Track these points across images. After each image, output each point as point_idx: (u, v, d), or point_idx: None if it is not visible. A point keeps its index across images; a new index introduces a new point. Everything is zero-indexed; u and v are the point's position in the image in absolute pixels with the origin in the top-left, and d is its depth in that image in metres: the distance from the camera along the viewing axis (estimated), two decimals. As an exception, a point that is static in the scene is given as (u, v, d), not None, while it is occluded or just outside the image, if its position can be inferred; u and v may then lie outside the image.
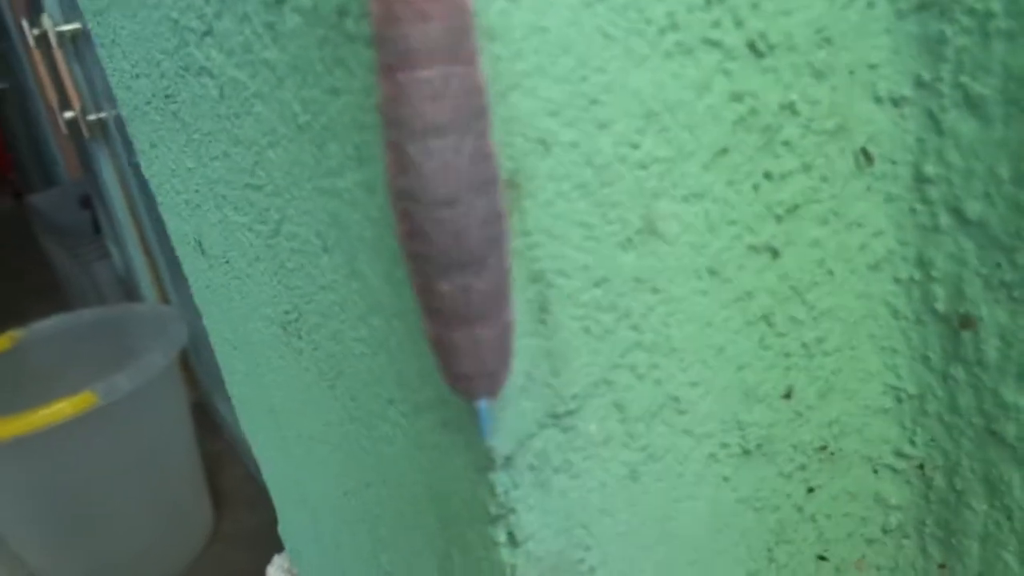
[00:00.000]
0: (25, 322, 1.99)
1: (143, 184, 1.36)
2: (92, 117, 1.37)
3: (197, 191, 0.31)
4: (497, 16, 0.16)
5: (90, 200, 1.81)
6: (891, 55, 0.22)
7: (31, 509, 1.33)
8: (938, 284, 0.24)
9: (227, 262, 0.32)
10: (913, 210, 0.23)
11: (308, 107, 0.20)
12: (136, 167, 1.36)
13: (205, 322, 0.40)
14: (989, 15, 0.20)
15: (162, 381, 1.28)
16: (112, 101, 1.33)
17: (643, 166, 0.19)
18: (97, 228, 1.77)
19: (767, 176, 0.21)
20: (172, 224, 0.37)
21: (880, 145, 0.23)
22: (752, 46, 0.20)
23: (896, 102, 0.23)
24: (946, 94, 0.22)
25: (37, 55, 1.38)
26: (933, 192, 0.23)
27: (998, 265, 0.22)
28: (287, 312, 0.28)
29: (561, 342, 0.19)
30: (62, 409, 1.18)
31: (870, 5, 0.21)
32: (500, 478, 0.19)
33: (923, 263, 0.24)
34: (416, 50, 0.14)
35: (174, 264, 1.42)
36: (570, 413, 0.19)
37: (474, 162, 0.15)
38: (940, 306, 0.24)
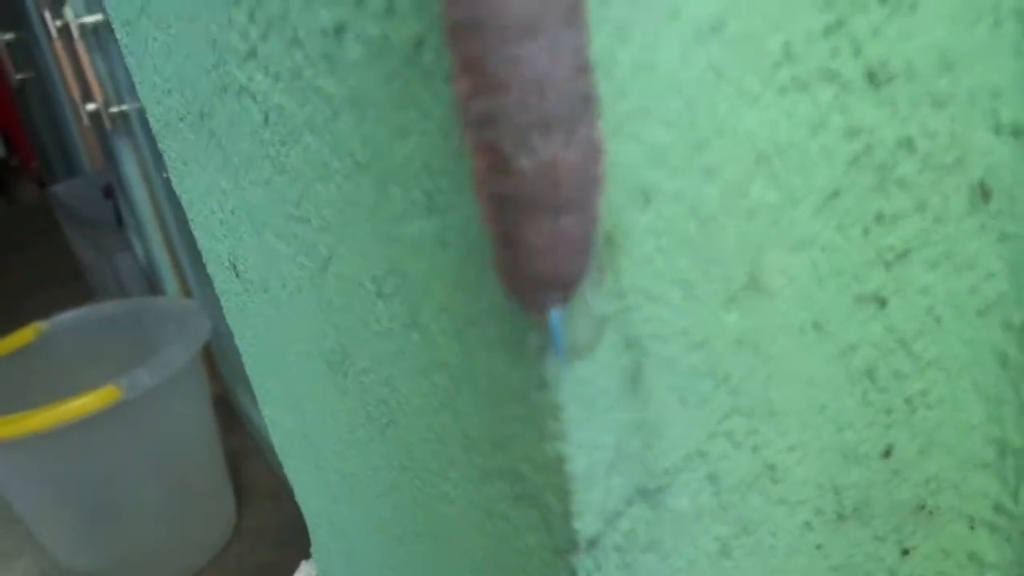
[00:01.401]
0: (49, 310, 1.99)
1: (167, 183, 1.35)
2: (114, 109, 1.36)
3: (233, 213, 0.29)
4: (601, 51, 0.13)
5: (112, 190, 1.81)
6: (1016, 80, 0.20)
7: (54, 502, 1.34)
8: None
9: (265, 290, 0.30)
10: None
11: (369, 145, 0.17)
12: (158, 159, 1.35)
13: (237, 341, 0.38)
14: None
15: (185, 375, 1.27)
16: (134, 94, 1.31)
17: (750, 215, 0.16)
18: (120, 219, 1.77)
19: (878, 219, 0.19)
20: (204, 242, 0.35)
21: (998, 180, 0.20)
22: (871, 76, 0.17)
23: (1018, 132, 0.20)
24: (1081, 125, 0.19)
25: (59, 46, 1.36)
26: (1058, 238, 0.20)
27: None
28: (332, 350, 0.26)
29: (655, 413, 0.16)
30: (85, 404, 1.18)
31: (997, 24, 0.19)
32: (583, 562, 0.17)
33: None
34: None
35: (196, 257, 1.42)
36: (661, 489, 0.17)
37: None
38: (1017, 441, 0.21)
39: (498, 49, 0.12)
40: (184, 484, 1.39)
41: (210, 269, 0.37)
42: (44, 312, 1.77)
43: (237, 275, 0.32)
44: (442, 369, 0.19)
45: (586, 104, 0.13)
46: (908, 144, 0.18)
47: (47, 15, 1.34)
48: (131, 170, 1.44)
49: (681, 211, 0.15)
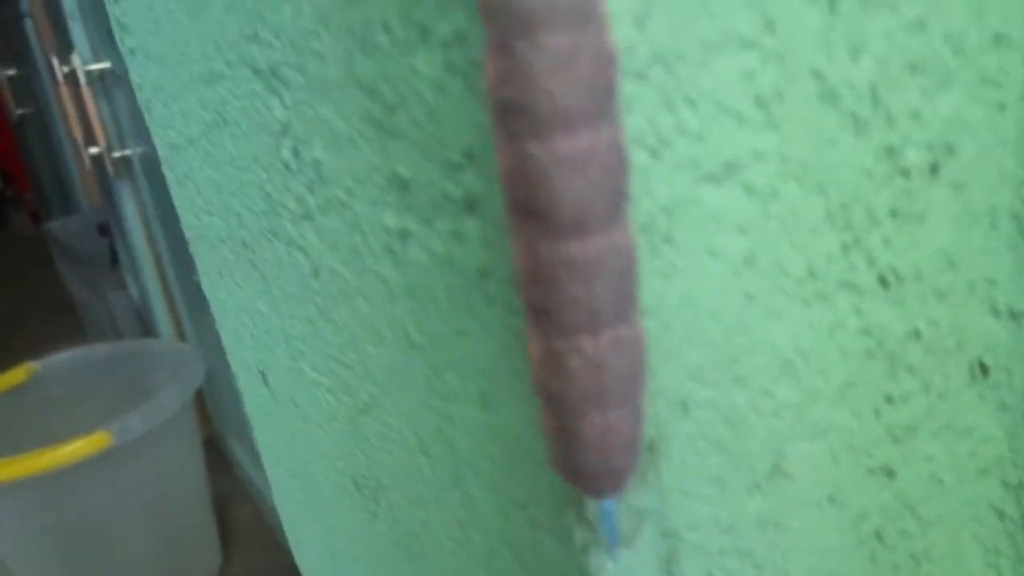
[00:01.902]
0: (39, 343, 1.98)
1: (165, 223, 1.36)
2: (117, 154, 1.37)
3: (268, 334, 0.31)
4: (650, 295, 0.15)
5: (108, 228, 1.82)
6: (1012, 271, 0.21)
7: (40, 545, 1.32)
8: (1049, 495, 0.23)
9: (295, 404, 0.31)
10: (1026, 421, 0.23)
11: (425, 332, 0.19)
12: (158, 203, 1.36)
13: (256, 435, 0.39)
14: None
15: (176, 420, 1.27)
16: (137, 139, 1.33)
17: (775, 414, 0.18)
18: (115, 259, 1.77)
19: (888, 400, 0.20)
20: (232, 346, 0.37)
21: (996, 356, 0.22)
22: (883, 281, 0.19)
23: (1014, 315, 0.22)
24: (1070, 316, 0.21)
25: (65, 91, 1.38)
26: (1050, 407, 0.22)
27: (1119, 488, 0.21)
28: (364, 476, 0.27)
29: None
30: (76, 449, 1.18)
31: (993, 225, 0.21)
32: None
33: (1033, 472, 0.23)
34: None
35: (192, 301, 1.42)
36: (689, 660, 0.18)
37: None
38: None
39: (551, 255, 0.14)
40: (170, 527, 1.38)
41: (236, 369, 0.38)
42: (34, 345, 1.76)
43: (266, 384, 0.34)
44: (482, 530, 0.20)
45: (630, 303, 0.15)
46: (915, 334, 0.20)
47: (54, 60, 1.36)
48: (130, 213, 1.45)
49: (714, 416, 0.17)
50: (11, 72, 2.10)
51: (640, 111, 0.14)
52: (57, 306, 2.11)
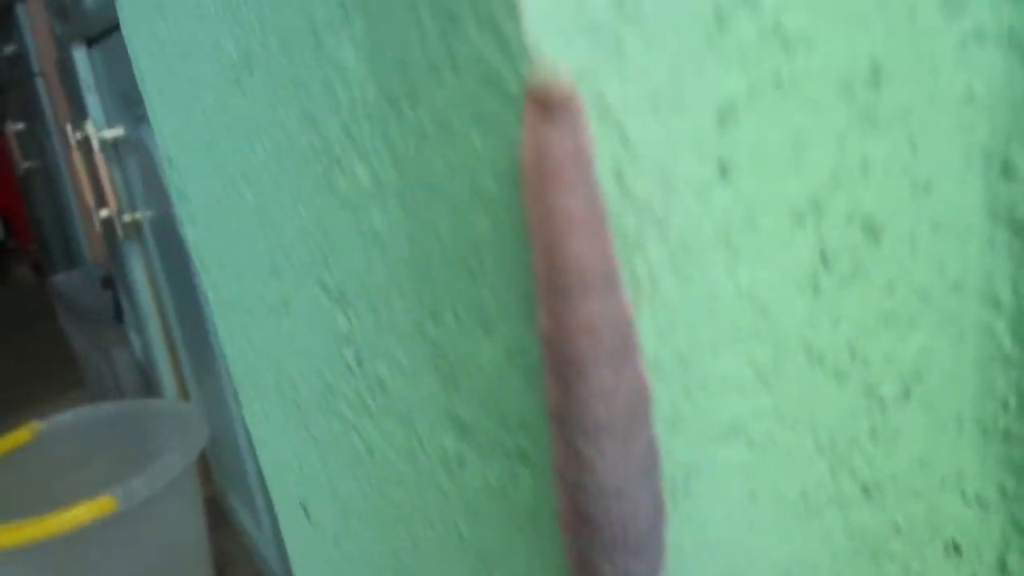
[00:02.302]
0: (41, 398, 2.00)
1: (172, 285, 1.40)
2: (127, 218, 1.41)
3: (315, 479, 0.34)
4: (671, 536, 0.19)
5: (111, 282, 1.85)
6: (978, 464, 0.25)
7: (41, 611, 1.32)
8: (1018, 654, 0.26)
9: (338, 546, 0.34)
10: (996, 591, 0.26)
11: (477, 534, 0.22)
12: (165, 265, 1.40)
13: (290, 554, 0.42)
14: (1070, 459, 0.23)
15: (180, 482, 1.29)
16: (147, 204, 1.37)
17: (776, 614, 0.21)
18: (118, 314, 1.80)
19: (873, 584, 0.24)
20: (272, 476, 0.40)
21: (967, 536, 0.26)
22: (865, 491, 0.23)
23: (981, 501, 0.26)
24: (1029, 507, 0.25)
25: (77, 156, 1.43)
26: (1015, 580, 0.26)
27: (1076, 655, 0.25)
28: (405, 623, 0.30)
29: None
30: (81, 514, 1.20)
31: (960, 430, 0.25)
32: None
33: (1004, 633, 0.26)
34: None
35: (196, 362, 1.45)
36: None
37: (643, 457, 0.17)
38: (1019, 672, 0.26)
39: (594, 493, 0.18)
40: (171, 591, 1.39)
41: (273, 491, 0.41)
42: (36, 397, 1.77)
43: (307, 517, 0.37)
44: None
45: (660, 516, 0.18)
46: (895, 528, 0.24)
47: (68, 127, 1.40)
48: (139, 274, 1.49)
49: (725, 624, 0.20)
50: (19, 127, 2.15)
51: (663, 399, 0.18)
52: (58, 359, 2.13)
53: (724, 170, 0.18)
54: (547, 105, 0.15)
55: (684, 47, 0.17)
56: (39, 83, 1.91)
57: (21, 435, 1.46)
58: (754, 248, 0.19)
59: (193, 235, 0.37)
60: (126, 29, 0.34)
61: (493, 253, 0.18)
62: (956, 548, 0.26)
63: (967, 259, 0.23)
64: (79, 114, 1.41)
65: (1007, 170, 0.22)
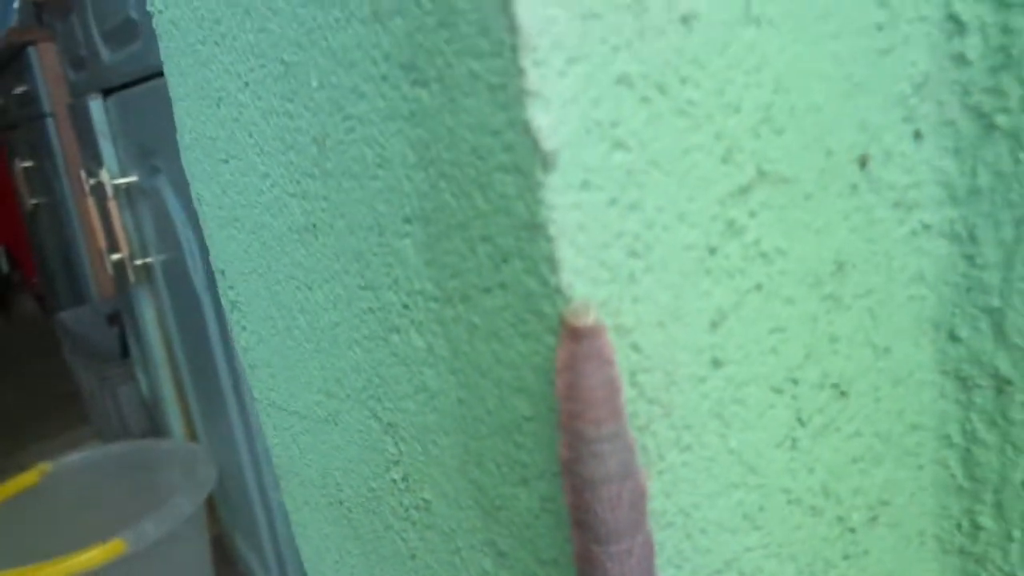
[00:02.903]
0: (45, 435, 2.03)
1: (181, 328, 1.45)
2: (139, 262, 1.46)
3: (353, 564, 0.38)
4: None
5: (117, 319, 1.90)
6: (939, 572, 0.30)
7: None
8: None
9: (374, 626, 0.39)
10: None
11: (510, 642, 0.27)
12: (177, 311, 1.44)
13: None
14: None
15: (189, 523, 1.32)
16: (159, 249, 1.42)
17: None
18: (125, 351, 1.85)
19: None
20: (308, 553, 0.44)
21: (931, 633, 0.30)
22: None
23: None
24: (982, 610, 0.29)
25: (91, 200, 1.48)
26: (973, 672, 0.30)
27: None
28: None
29: None
30: (91, 558, 1.23)
31: (922, 544, 0.29)
32: None
33: None
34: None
35: (204, 402, 1.49)
36: None
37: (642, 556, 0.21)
38: None
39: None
40: (177, 632, 1.41)
41: (308, 570, 0.45)
42: (40, 435, 1.80)
43: (343, 598, 0.41)
44: None
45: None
46: None
47: (82, 173, 1.46)
48: (149, 316, 1.53)
49: None
50: (27, 164, 2.21)
51: (668, 543, 0.23)
52: (62, 394, 2.17)
53: (716, 363, 0.22)
54: (579, 334, 0.19)
55: (683, 272, 0.21)
56: (49, 123, 1.96)
57: (29, 477, 1.49)
58: (741, 419, 0.23)
59: (244, 340, 0.42)
60: (190, 167, 0.39)
61: (531, 429, 0.22)
62: (921, 644, 0.30)
63: (922, 406, 0.28)
64: (93, 160, 1.47)
65: (952, 335, 0.27)
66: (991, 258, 0.25)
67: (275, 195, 0.32)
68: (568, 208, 0.19)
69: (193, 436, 1.63)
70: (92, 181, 1.45)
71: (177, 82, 0.38)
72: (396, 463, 0.30)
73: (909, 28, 0.24)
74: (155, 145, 1.21)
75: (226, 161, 0.36)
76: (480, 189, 0.21)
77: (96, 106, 1.42)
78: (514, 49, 0.18)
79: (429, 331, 0.25)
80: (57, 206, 2.12)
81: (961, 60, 0.24)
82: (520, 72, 0.18)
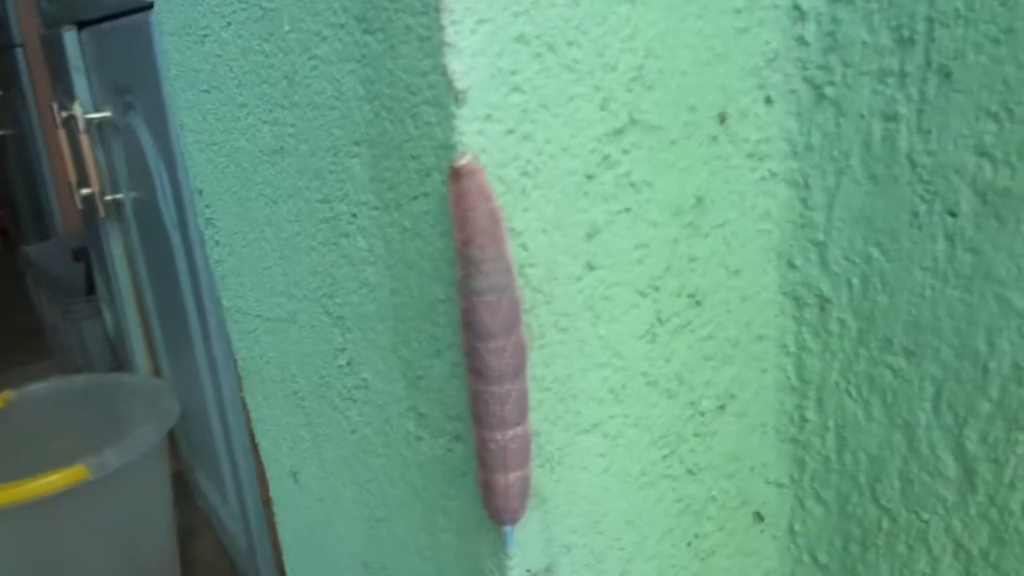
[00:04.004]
0: (7, 369, 2.07)
1: (149, 264, 1.49)
2: (109, 197, 1.50)
3: (304, 451, 0.45)
4: (546, 489, 0.31)
5: (85, 256, 1.93)
6: (776, 461, 0.37)
7: (11, 573, 1.41)
8: (803, 593, 0.39)
9: (321, 501, 0.46)
10: (788, 548, 0.39)
11: (426, 487, 0.34)
12: (144, 243, 1.49)
13: (277, 513, 0.54)
14: (828, 459, 0.36)
15: (150, 456, 1.39)
16: (129, 185, 1.46)
17: (622, 549, 0.33)
18: (91, 287, 1.89)
19: (696, 536, 0.36)
20: (267, 449, 0.51)
21: (769, 509, 0.38)
22: (690, 472, 0.35)
23: (779, 485, 0.38)
24: (806, 489, 0.37)
25: (62, 136, 1.51)
26: (800, 540, 0.38)
27: (836, 592, 0.37)
28: (372, 561, 0.42)
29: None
30: (54, 482, 1.29)
31: (764, 434, 0.37)
32: None
33: (794, 578, 0.39)
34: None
35: (170, 341, 1.55)
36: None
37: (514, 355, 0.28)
38: (804, 606, 0.39)
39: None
40: (136, 559, 1.49)
41: (267, 463, 0.52)
42: (1, 368, 1.84)
43: (296, 481, 0.48)
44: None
45: (524, 416, 0.30)
46: (712, 499, 0.36)
47: (54, 105, 1.48)
48: (117, 252, 1.58)
49: (585, 553, 0.32)
50: (-5, 94, 2.21)
51: (545, 404, 0.30)
52: (24, 329, 2.20)
53: (590, 266, 0.29)
54: (460, 172, 0.26)
55: (564, 191, 0.28)
56: (19, 54, 1.97)
57: (-7, 402, 1.54)
58: (609, 313, 0.30)
59: (216, 253, 0.48)
60: (175, 96, 0.45)
61: (445, 309, 0.29)
62: (759, 516, 0.38)
63: (766, 320, 0.35)
64: (65, 94, 1.49)
65: (790, 263, 0.34)
66: (819, 201, 0.33)
67: (250, 122, 0.38)
68: (474, 134, 0.26)
69: (157, 372, 1.68)
70: (64, 115, 1.48)
71: (166, 18, 0.43)
72: (342, 350, 0.37)
73: (763, 13, 0.31)
74: (129, 82, 1.24)
75: (208, 91, 0.42)
76: (411, 118, 0.27)
77: (70, 39, 1.44)
78: (438, 10, 0.25)
79: (371, 234, 0.32)
80: (24, 139, 2.13)
81: (802, 41, 0.31)
82: (441, 28, 0.25)
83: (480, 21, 0.25)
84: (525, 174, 0.27)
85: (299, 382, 0.43)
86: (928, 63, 0.28)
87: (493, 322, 0.26)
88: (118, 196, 1.51)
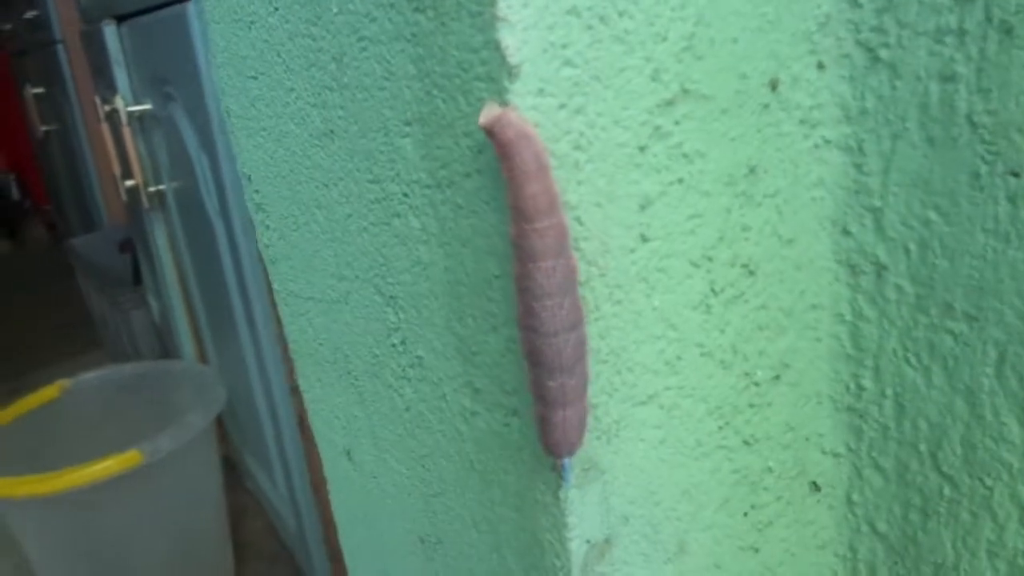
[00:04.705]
0: (60, 359, 2.13)
1: (193, 253, 1.52)
2: (152, 189, 1.53)
3: (358, 429, 0.46)
4: (606, 463, 0.31)
5: (129, 246, 1.98)
6: (830, 427, 0.37)
7: (66, 559, 1.47)
8: (862, 563, 0.39)
9: (375, 478, 0.47)
10: (846, 517, 0.38)
11: (483, 463, 0.35)
12: (187, 233, 1.52)
13: (331, 492, 0.55)
14: (886, 428, 0.35)
15: (200, 440, 1.43)
16: (172, 176, 1.49)
17: (679, 519, 0.34)
18: (137, 278, 1.93)
19: (753, 507, 0.36)
20: (320, 429, 0.52)
21: (825, 478, 0.38)
22: (745, 443, 0.35)
23: (836, 454, 0.38)
24: (863, 458, 0.37)
25: (106, 128, 1.54)
26: (858, 510, 0.38)
27: (895, 562, 0.37)
28: (427, 535, 0.43)
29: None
30: (109, 466, 1.33)
31: (819, 403, 0.37)
32: None
33: (852, 548, 0.39)
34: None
35: (215, 327, 1.58)
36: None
37: (570, 312, 0.28)
38: (863, 575, 0.39)
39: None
40: (189, 540, 1.53)
41: (320, 445, 0.54)
42: (55, 358, 1.90)
43: (350, 459, 0.49)
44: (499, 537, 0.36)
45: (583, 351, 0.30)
46: (768, 470, 0.36)
47: (97, 99, 1.52)
48: (161, 242, 1.61)
49: (643, 523, 0.33)
50: (39, 90, 2.26)
51: (602, 376, 0.30)
52: (74, 319, 2.27)
53: (643, 238, 0.29)
54: (498, 123, 0.26)
55: (616, 164, 0.28)
56: (60, 50, 2.01)
57: (50, 392, 1.59)
58: (664, 284, 0.31)
59: (266, 238, 0.49)
60: (221, 83, 0.46)
61: (499, 284, 0.30)
62: (816, 486, 0.38)
63: (820, 288, 0.35)
64: (107, 88, 1.53)
65: (844, 230, 0.34)
66: (874, 166, 0.32)
67: (299, 107, 0.39)
68: (527, 109, 0.26)
69: (203, 359, 1.72)
70: (107, 108, 1.51)
71: (213, 6, 0.44)
72: (396, 329, 0.38)
73: (815, -24, 0.31)
74: (169, 73, 1.27)
75: (255, 78, 0.43)
76: (463, 94, 0.28)
77: (110, 33, 1.47)
78: (488, -15, 0.25)
79: (423, 213, 0.32)
80: (68, 133, 2.18)
81: (855, 3, 0.31)
82: (493, 3, 0.25)
83: (531, -5, 0.25)
84: (578, 147, 0.27)
85: (352, 362, 0.44)
86: (988, 19, 0.28)
87: (549, 284, 0.26)
88: (161, 187, 1.54)
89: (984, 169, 0.29)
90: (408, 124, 0.31)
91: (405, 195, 0.33)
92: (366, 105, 0.33)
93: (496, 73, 0.26)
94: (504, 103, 0.26)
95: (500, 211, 0.28)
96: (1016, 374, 0.30)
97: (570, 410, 0.28)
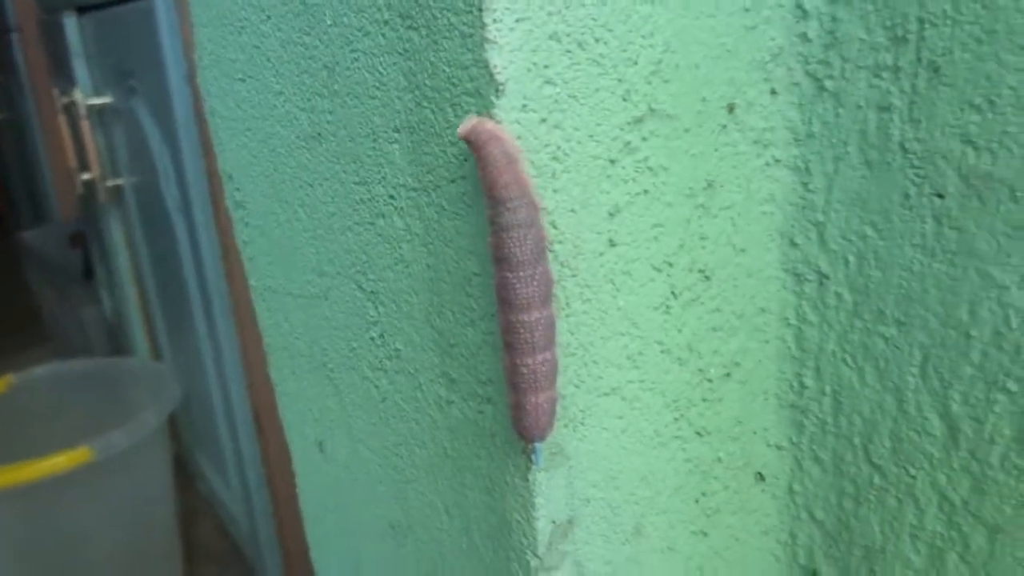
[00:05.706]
0: (5, 354, 2.08)
1: (150, 249, 1.51)
2: (109, 183, 1.52)
3: (331, 420, 0.48)
4: (570, 449, 0.34)
5: (82, 240, 1.94)
6: (776, 425, 0.41)
7: (15, 554, 1.44)
8: (800, 548, 0.42)
9: (347, 468, 0.49)
10: (787, 506, 0.42)
11: (456, 449, 0.37)
12: (146, 232, 1.51)
13: (299, 482, 0.57)
14: (825, 423, 0.39)
15: (152, 439, 1.41)
16: (130, 170, 1.48)
17: (636, 503, 0.37)
18: (88, 272, 1.91)
19: (704, 494, 0.39)
20: (291, 421, 0.54)
21: (769, 469, 0.41)
22: (698, 434, 0.38)
23: (779, 447, 0.41)
24: (804, 450, 0.40)
25: (62, 120, 1.52)
26: (798, 499, 0.41)
27: (831, 546, 0.41)
28: (398, 521, 0.45)
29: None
30: (59, 463, 1.32)
31: (766, 400, 0.40)
32: None
33: (792, 534, 0.42)
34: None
35: (172, 326, 1.57)
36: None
37: (541, 284, 0.31)
38: (802, 560, 0.42)
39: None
40: (137, 542, 1.52)
41: (290, 437, 0.55)
42: (2, 351, 1.85)
43: (322, 451, 0.51)
44: (481, 570, 0.38)
45: (552, 342, 0.33)
46: (718, 460, 0.39)
47: (55, 91, 1.50)
48: (117, 237, 1.59)
49: (604, 505, 0.36)
50: (-11, 79, 2.20)
51: (570, 368, 0.33)
52: (21, 315, 2.22)
53: (612, 243, 0.32)
54: (474, 130, 0.29)
55: (590, 175, 0.31)
56: (15, 38, 1.97)
57: (-4, 386, 1.56)
58: (628, 286, 0.34)
59: (245, 234, 0.51)
60: (206, 84, 0.48)
61: (479, 281, 0.32)
62: (761, 476, 0.41)
63: (768, 294, 0.38)
64: (65, 79, 1.51)
65: (792, 242, 0.37)
66: (819, 185, 0.36)
67: (287, 110, 0.41)
68: (511, 123, 0.29)
69: (157, 356, 1.70)
70: (64, 100, 1.49)
71: (201, 10, 0.46)
72: (375, 323, 0.40)
73: (769, 12, 0.34)
74: (133, 67, 1.26)
75: (243, 80, 0.44)
76: (452, 107, 0.30)
77: (71, 24, 1.46)
78: (480, 9, 0.28)
79: (408, 214, 0.35)
80: (20, 124, 2.13)
81: (805, 38, 0.34)
82: (483, 25, 0.28)
83: (518, 20, 0.28)
84: (555, 159, 0.30)
85: (329, 355, 0.46)
86: (919, 59, 0.31)
87: (521, 253, 0.29)
88: (119, 181, 1.53)
89: (913, 190, 0.33)
90: (397, 131, 0.33)
91: (391, 197, 0.35)
92: (356, 112, 0.36)
93: (484, 89, 0.29)
94: (490, 116, 0.29)
95: (482, 214, 0.31)
96: (938, 374, 0.34)
97: (542, 396, 0.31)
